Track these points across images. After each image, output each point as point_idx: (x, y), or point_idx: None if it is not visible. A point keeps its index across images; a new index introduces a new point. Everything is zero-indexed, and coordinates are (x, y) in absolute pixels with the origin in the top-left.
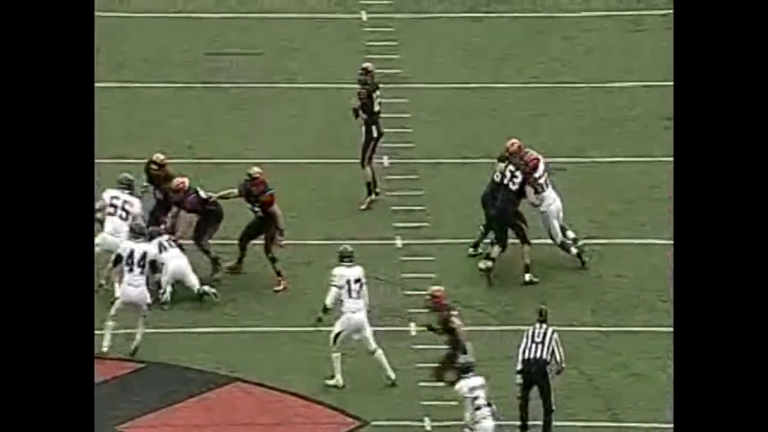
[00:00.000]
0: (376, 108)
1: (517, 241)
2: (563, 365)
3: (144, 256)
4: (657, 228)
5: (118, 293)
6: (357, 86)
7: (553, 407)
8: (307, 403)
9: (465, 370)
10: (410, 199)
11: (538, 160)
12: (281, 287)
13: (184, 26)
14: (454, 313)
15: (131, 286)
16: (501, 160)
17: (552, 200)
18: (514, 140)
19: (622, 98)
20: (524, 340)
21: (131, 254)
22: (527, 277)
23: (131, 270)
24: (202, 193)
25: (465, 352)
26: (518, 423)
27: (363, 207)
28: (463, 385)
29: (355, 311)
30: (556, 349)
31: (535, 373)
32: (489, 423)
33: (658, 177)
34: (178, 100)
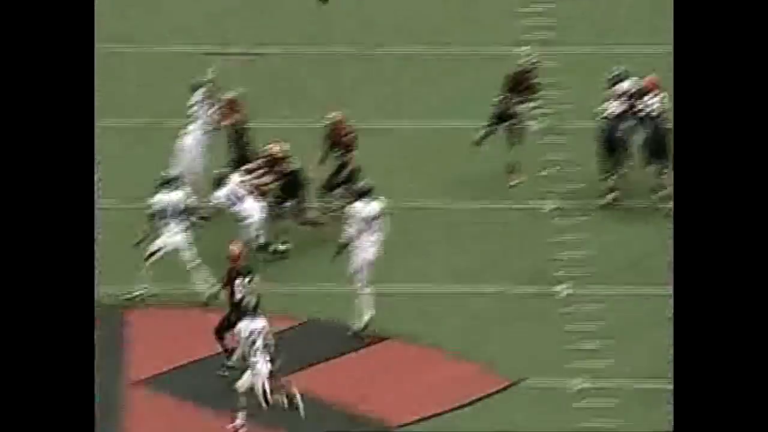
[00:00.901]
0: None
1: None
2: None
3: (176, 205)
4: None
5: (159, 245)
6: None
7: None
8: (460, 362)
9: (247, 312)
10: (560, 163)
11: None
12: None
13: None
14: (244, 279)
15: (175, 235)
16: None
17: None
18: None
19: None
20: None
21: (166, 207)
22: None
23: (168, 223)
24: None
25: (241, 317)
26: None
27: (513, 183)
28: (243, 327)
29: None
30: None
31: None
32: (264, 367)
33: None
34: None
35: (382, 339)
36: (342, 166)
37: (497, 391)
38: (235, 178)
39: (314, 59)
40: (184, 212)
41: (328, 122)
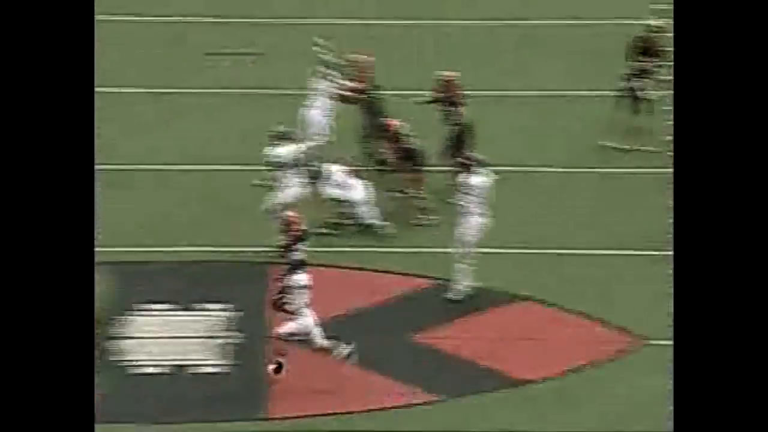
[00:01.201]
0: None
1: None
2: None
3: (290, 157)
4: None
5: (282, 198)
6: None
7: None
8: (590, 322)
9: (299, 267)
10: None
11: None
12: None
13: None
14: (301, 245)
15: (294, 187)
16: None
17: None
18: None
19: None
20: None
21: (281, 160)
22: None
23: (284, 174)
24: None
25: (293, 271)
26: None
27: (635, 149)
28: (296, 279)
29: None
30: None
31: None
32: (309, 319)
33: None
34: None
35: (511, 300)
36: (451, 123)
37: (622, 352)
38: (333, 168)
39: (436, 28)
40: (298, 164)
41: (440, 78)
